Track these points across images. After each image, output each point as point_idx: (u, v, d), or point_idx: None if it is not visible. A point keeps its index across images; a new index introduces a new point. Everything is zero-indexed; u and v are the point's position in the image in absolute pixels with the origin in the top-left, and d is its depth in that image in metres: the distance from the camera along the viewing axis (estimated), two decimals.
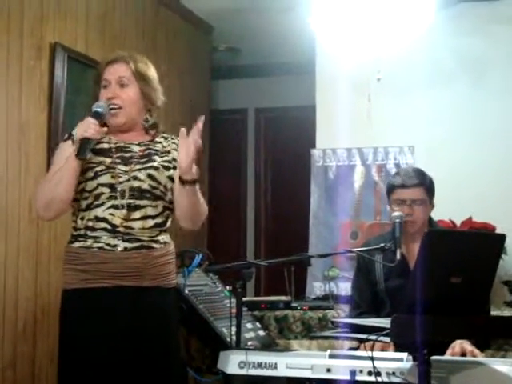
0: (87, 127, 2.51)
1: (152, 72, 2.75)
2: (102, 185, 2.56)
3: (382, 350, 2.64)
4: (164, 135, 2.76)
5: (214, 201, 6.11)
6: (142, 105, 2.68)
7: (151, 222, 2.61)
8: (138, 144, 2.68)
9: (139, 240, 2.58)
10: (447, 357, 2.34)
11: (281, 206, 6.63)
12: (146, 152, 2.66)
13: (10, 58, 3.55)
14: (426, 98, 4.72)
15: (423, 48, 4.65)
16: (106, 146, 2.62)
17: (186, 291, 3.36)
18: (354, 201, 4.63)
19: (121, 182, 2.57)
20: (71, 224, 2.64)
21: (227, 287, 3.68)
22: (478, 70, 4.63)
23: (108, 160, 2.59)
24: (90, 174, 2.57)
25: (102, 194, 2.56)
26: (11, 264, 3.50)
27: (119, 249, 2.56)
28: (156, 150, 2.68)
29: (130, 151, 2.65)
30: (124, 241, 2.56)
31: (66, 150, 2.58)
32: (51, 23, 3.82)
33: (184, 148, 2.47)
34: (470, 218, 4.28)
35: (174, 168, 2.62)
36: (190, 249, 3.62)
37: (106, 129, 2.58)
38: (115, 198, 2.56)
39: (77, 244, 2.58)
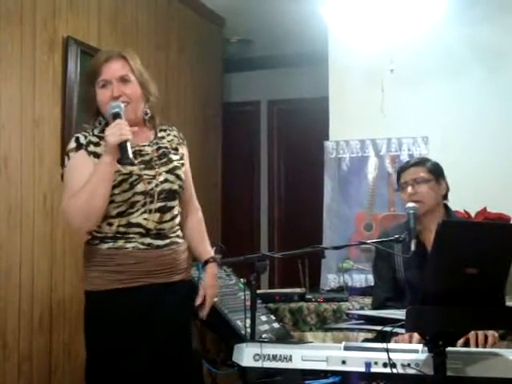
0: (121, 129, 2.43)
1: (140, 63, 2.72)
2: (138, 193, 2.55)
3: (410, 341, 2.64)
4: (162, 128, 2.76)
5: (227, 194, 6.13)
6: (142, 98, 2.66)
7: (177, 221, 2.67)
8: (149, 145, 2.66)
9: (168, 237, 2.62)
10: (463, 348, 2.33)
11: (294, 198, 6.62)
12: (160, 152, 2.66)
13: (24, 53, 3.55)
14: (439, 87, 4.69)
15: (436, 38, 4.62)
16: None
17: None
18: (368, 192, 4.61)
19: (152, 188, 2.57)
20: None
21: (241, 280, 3.68)
22: (492, 58, 4.60)
23: (135, 168, 2.56)
24: (126, 185, 2.53)
25: (138, 201, 2.55)
26: (26, 257, 3.52)
27: (153, 247, 2.57)
28: (166, 148, 2.69)
29: (146, 154, 2.63)
30: (157, 238, 2.58)
31: (85, 162, 2.52)
32: (64, 17, 3.83)
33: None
34: (485, 209, 4.26)
35: (183, 165, 2.72)
36: None
37: (136, 128, 2.55)
38: (148, 203, 2.56)
39: (105, 245, 2.55)
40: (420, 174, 3.18)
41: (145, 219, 2.55)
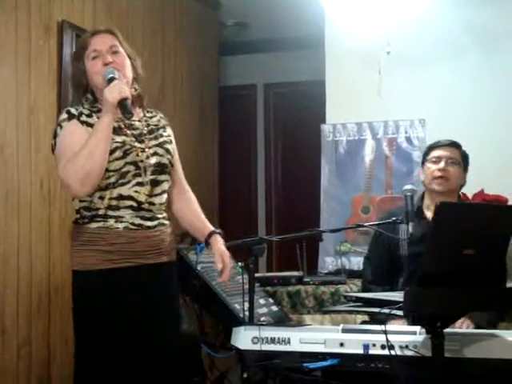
0: (121, 88, 2.48)
1: None
2: (129, 163, 2.56)
3: None
4: (149, 110, 2.79)
5: (224, 177, 6.13)
6: (131, 70, 2.67)
7: (165, 197, 2.68)
8: (139, 121, 2.68)
9: (157, 218, 2.63)
10: (460, 329, 2.35)
11: (291, 181, 6.62)
12: (150, 128, 2.69)
13: (19, 38, 3.53)
14: (436, 70, 4.68)
15: (433, 20, 4.61)
16: (115, 124, 2.59)
17: (199, 268, 3.37)
18: (365, 175, 4.62)
19: (143, 159, 2.58)
20: (79, 204, 2.59)
21: (239, 263, 3.69)
22: (489, 41, 4.59)
23: (127, 139, 2.58)
24: (119, 153, 2.54)
25: (129, 172, 2.56)
26: (24, 242, 3.52)
27: (143, 228, 2.58)
28: (156, 125, 2.72)
29: (136, 128, 2.65)
30: (146, 219, 2.59)
31: (79, 130, 2.54)
32: (58, 1, 3.80)
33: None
34: (482, 191, 4.26)
35: (171, 142, 2.74)
36: None
37: (134, 86, 2.63)
38: (139, 175, 2.57)
39: (94, 224, 2.55)
40: (455, 155, 3.32)
41: (136, 192, 2.56)
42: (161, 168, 2.63)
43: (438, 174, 3.25)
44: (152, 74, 4.77)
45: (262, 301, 3.63)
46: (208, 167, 5.64)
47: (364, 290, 3.40)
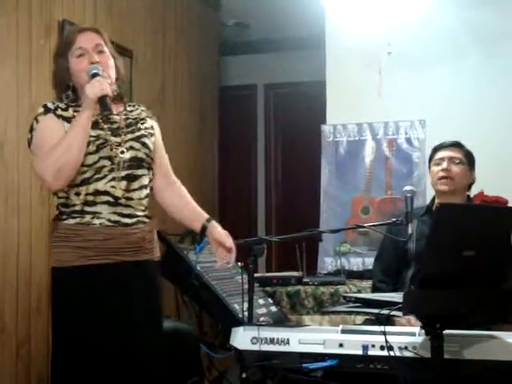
0: (102, 85, 2.49)
1: None
2: (103, 158, 2.55)
3: None
4: (131, 104, 2.79)
5: (224, 177, 6.13)
6: (114, 70, 2.68)
7: (145, 192, 2.65)
8: (117, 114, 2.67)
9: (136, 215, 2.61)
10: (460, 331, 2.34)
11: (291, 182, 6.62)
12: (128, 121, 2.68)
13: (20, 38, 3.53)
14: (437, 71, 4.68)
15: (434, 20, 4.61)
16: (92, 119, 2.58)
17: (198, 268, 3.37)
18: (365, 176, 4.62)
19: (117, 154, 2.57)
20: (57, 201, 2.58)
21: (239, 263, 3.68)
22: (489, 41, 4.58)
23: (102, 133, 2.58)
24: (92, 147, 2.53)
25: (104, 166, 2.55)
26: (24, 241, 3.52)
27: (120, 224, 2.56)
28: (134, 118, 2.71)
29: (114, 122, 2.64)
30: (124, 216, 2.57)
31: (55, 123, 2.54)
32: (59, 1, 3.80)
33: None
34: (482, 192, 4.26)
35: (152, 135, 2.72)
36: None
37: (114, 86, 2.62)
38: (115, 170, 2.56)
39: (71, 221, 2.54)
40: (457, 154, 3.39)
41: (112, 187, 2.55)
42: (137, 163, 2.61)
43: (442, 174, 3.34)
44: (152, 74, 4.77)
45: (261, 301, 3.63)
46: (208, 167, 5.64)
47: (374, 290, 3.44)
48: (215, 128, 5.82)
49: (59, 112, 2.58)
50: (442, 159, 3.38)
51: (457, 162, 3.37)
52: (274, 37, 6.34)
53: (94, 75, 2.54)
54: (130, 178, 2.59)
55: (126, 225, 2.58)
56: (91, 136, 2.54)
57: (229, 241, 2.74)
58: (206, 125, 5.62)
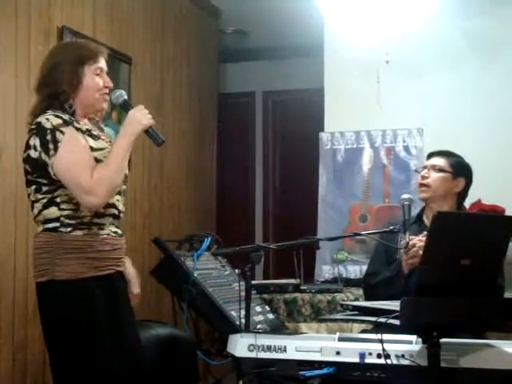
0: (146, 114, 2.57)
1: None
2: None
3: None
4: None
5: (222, 184, 6.13)
6: None
7: None
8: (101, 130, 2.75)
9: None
10: (457, 339, 2.34)
11: (289, 190, 6.62)
12: (108, 139, 2.72)
13: (19, 43, 3.54)
14: (435, 79, 4.70)
15: (432, 29, 4.63)
16: (95, 133, 2.63)
17: (196, 275, 3.37)
18: (363, 184, 4.62)
19: None
20: (60, 213, 2.52)
21: (236, 270, 3.68)
22: (488, 51, 4.60)
23: (107, 145, 2.63)
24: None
25: None
26: (21, 247, 3.51)
27: (119, 235, 2.64)
28: (108, 138, 2.76)
29: (104, 138, 2.70)
30: (118, 227, 2.65)
31: (79, 137, 2.52)
32: (59, 7, 3.81)
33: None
34: (479, 200, 4.27)
35: None
36: (198, 232, 3.63)
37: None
38: (122, 183, 2.64)
39: (79, 232, 2.52)
40: (440, 163, 3.30)
41: (117, 200, 2.63)
42: (126, 179, 2.69)
43: (420, 181, 3.30)
44: (151, 81, 4.77)
45: (258, 308, 3.63)
46: (206, 174, 5.64)
47: (364, 287, 3.37)
48: (214, 135, 5.83)
49: (76, 125, 2.56)
50: (425, 167, 3.33)
51: (437, 169, 3.28)
52: (272, 44, 6.35)
53: (126, 102, 2.66)
54: (125, 193, 2.71)
55: (121, 235, 2.66)
56: (100, 149, 2.57)
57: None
58: (205, 131, 5.63)
